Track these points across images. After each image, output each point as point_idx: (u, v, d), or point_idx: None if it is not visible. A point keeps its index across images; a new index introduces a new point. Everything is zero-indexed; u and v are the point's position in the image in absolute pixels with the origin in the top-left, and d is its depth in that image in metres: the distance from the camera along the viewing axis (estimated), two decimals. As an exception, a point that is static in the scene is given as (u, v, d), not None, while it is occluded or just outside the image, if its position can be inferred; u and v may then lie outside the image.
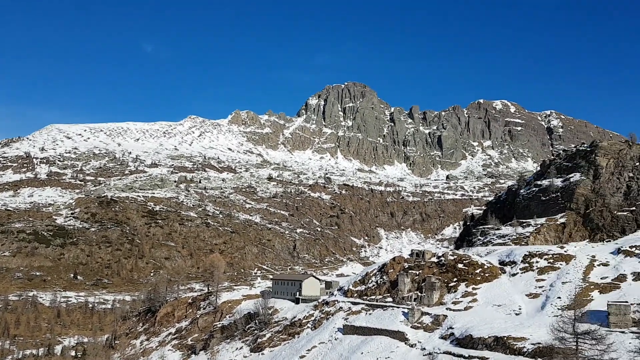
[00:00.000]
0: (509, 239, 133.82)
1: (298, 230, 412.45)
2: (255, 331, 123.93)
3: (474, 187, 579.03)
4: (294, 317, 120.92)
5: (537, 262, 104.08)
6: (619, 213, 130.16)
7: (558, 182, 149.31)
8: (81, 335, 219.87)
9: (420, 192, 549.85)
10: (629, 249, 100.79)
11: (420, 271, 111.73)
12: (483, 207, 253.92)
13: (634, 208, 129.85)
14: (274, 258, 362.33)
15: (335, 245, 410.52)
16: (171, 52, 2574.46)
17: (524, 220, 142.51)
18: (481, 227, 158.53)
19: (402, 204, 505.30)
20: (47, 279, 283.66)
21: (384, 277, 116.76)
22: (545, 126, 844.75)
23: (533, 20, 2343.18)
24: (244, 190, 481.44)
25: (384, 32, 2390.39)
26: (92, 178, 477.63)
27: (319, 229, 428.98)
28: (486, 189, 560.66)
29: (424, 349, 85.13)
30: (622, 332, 70.39)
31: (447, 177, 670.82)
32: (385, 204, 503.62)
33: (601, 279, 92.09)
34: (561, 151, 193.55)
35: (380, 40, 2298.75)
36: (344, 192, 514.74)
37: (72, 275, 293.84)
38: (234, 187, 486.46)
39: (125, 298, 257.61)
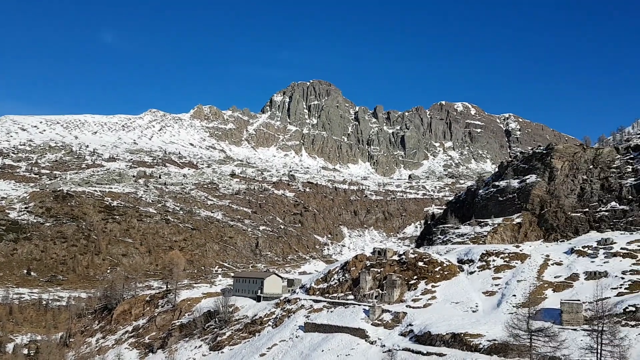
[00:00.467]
0: (467, 238, 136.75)
1: (261, 228, 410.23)
2: (215, 329, 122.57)
3: (435, 187, 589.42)
4: (255, 315, 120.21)
5: (494, 260, 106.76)
6: (573, 214, 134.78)
7: (515, 183, 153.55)
8: (34, 333, 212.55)
9: (384, 191, 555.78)
10: (582, 249, 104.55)
11: (382, 269, 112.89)
12: (443, 207, 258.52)
13: (587, 209, 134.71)
14: (236, 255, 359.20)
15: (299, 243, 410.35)
16: (132, 43, 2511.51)
17: (482, 220, 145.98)
18: (441, 226, 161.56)
19: (365, 203, 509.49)
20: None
21: (346, 275, 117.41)
22: (504, 129, 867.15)
23: (495, 26, 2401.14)
24: (205, 186, 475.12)
25: (350, 31, 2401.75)
26: (48, 171, 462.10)
27: (282, 227, 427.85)
28: (447, 189, 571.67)
29: (384, 345, 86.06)
30: (574, 329, 72.85)
31: (410, 176, 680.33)
32: (348, 202, 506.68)
33: (555, 277, 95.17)
34: (518, 153, 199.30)
35: (346, 39, 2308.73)
36: (308, 190, 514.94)
37: (25, 271, 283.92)
38: (195, 183, 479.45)
39: (80, 295, 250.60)
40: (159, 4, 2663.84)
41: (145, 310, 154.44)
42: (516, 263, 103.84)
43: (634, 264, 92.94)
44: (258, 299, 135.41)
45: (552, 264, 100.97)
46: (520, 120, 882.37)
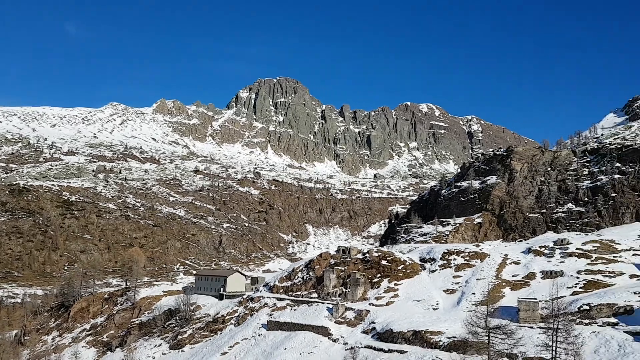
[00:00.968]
0: (430, 237, 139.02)
1: (225, 225, 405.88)
2: (176, 328, 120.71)
3: (400, 187, 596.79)
4: (217, 314, 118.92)
5: (454, 259, 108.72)
6: (531, 215, 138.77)
7: (476, 184, 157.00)
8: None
9: (349, 189, 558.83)
10: (539, 249, 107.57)
11: (346, 267, 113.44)
12: (407, 206, 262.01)
13: (544, 210, 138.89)
14: (199, 253, 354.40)
15: (263, 240, 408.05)
16: (94, 34, 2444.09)
17: (444, 220, 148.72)
18: (405, 225, 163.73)
19: (330, 201, 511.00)
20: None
21: (311, 273, 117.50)
22: (467, 130, 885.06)
23: (460, 28, 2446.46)
24: (168, 182, 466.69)
25: (318, 30, 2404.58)
26: (4, 165, 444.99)
27: (247, 224, 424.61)
28: (411, 188, 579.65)
29: (347, 343, 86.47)
30: (531, 327, 74.86)
31: (375, 176, 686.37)
32: (314, 200, 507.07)
33: (513, 276, 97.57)
34: (480, 155, 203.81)
35: (314, 37, 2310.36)
36: (273, 187, 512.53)
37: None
38: (157, 178, 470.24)
39: (36, 292, 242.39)
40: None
41: (104, 308, 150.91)
42: (476, 262, 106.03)
43: (588, 264, 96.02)
44: (221, 297, 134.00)
45: (511, 263, 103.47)
46: (482, 122, 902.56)
